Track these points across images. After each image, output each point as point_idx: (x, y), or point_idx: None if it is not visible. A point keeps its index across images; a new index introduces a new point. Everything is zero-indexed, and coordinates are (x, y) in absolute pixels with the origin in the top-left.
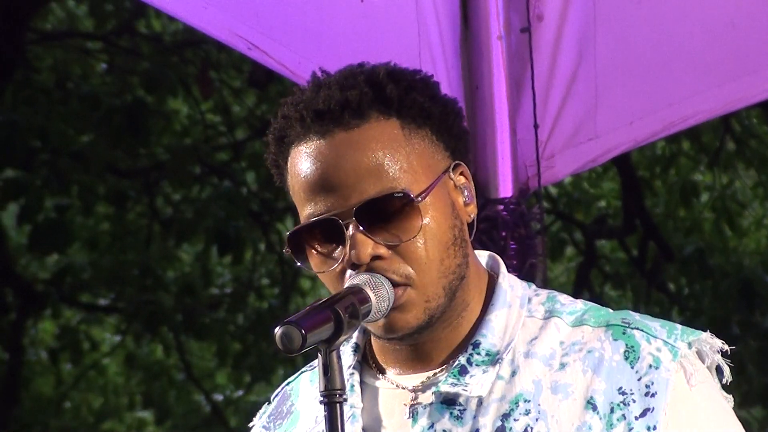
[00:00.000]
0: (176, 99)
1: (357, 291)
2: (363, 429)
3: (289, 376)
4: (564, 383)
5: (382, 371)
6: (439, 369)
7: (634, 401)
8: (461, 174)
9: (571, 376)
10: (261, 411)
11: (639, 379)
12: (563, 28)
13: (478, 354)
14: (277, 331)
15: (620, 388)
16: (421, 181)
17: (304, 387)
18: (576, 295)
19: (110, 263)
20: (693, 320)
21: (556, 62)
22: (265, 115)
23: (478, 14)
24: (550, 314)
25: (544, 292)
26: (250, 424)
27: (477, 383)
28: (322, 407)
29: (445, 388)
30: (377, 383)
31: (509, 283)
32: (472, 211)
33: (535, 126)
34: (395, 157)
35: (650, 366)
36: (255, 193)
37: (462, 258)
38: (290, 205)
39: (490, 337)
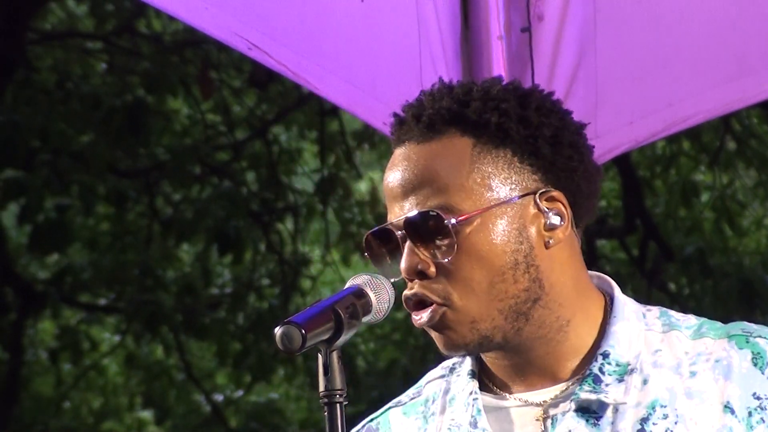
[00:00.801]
0: (176, 99)
1: (357, 291)
2: None
3: (290, 376)
4: (698, 390)
5: (509, 390)
6: (570, 381)
7: None
8: (553, 199)
9: (704, 384)
10: None
11: None
12: (563, 28)
13: (609, 364)
14: (278, 331)
15: (754, 393)
16: (477, 202)
17: (396, 420)
18: None
19: (110, 263)
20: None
21: (556, 62)
22: (265, 115)
23: (479, 14)
24: (669, 327)
25: (655, 308)
26: None
27: (615, 390)
28: None
29: (584, 395)
30: (503, 403)
31: (623, 298)
32: (556, 235)
33: None
34: (452, 175)
35: None
36: (255, 193)
37: (529, 282)
38: (290, 205)
39: (618, 348)
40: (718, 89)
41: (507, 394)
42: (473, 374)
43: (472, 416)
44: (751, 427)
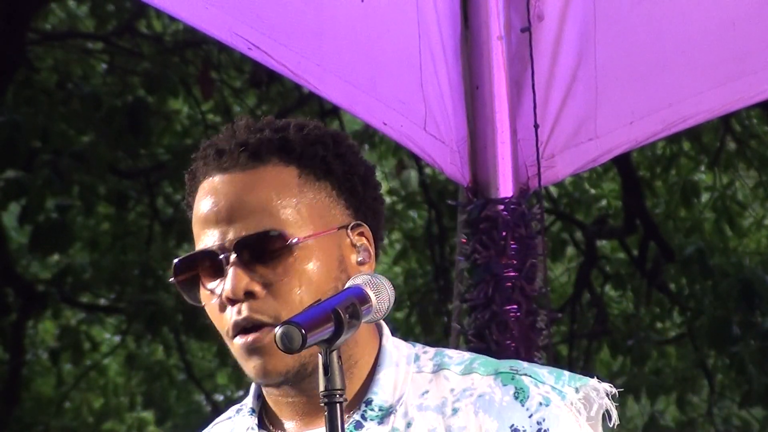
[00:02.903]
0: (177, 99)
1: (358, 291)
2: None
3: None
4: (458, 426)
5: (282, 428)
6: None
7: None
8: (362, 235)
9: (464, 420)
10: None
11: (530, 416)
12: (563, 28)
13: (372, 410)
14: (278, 330)
15: (512, 425)
16: (305, 228)
17: None
18: (577, 295)
19: (111, 263)
20: (693, 320)
21: (556, 62)
22: (266, 115)
23: (479, 14)
24: (438, 368)
25: (431, 350)
26: None
27: (375, 431)
28: None
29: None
30: None
31: (393, 344)
32: (365, 271)
33: (536, 126)
34: (282, 202)
35: (540, 404)
36: None
37: None
38: None
39: (381, 394)
40: (718, 89)
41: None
42: (253, 411)
43: None
44: None
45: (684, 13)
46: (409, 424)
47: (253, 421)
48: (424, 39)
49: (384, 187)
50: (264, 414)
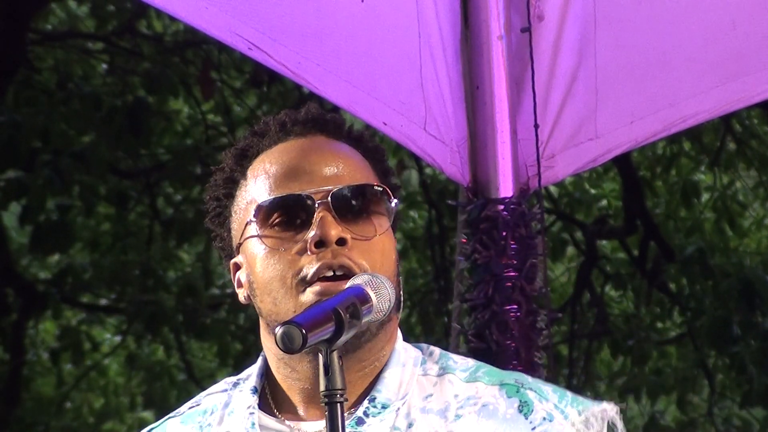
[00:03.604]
0: (177, 99)
1: (358, 291)
2: None
3: None
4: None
5: (289, 416)
6: None
7: None
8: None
9: (467, 426)
10: None
11: (533, 429)
12: (563, 28)
13: (374, 407)
14: (278, 330)
15: None
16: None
17: (173, 429)
18: (577, 295)
19: (111, 263)
20: (694, 320)
21: (556, 62)
22: (266, 115)
23: (479, 14)
24: (443, 371)
25: (437, 351)
26: None
27: (376, 426)
28: None
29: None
30: (279, 426)
31: (403, 346)
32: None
33: (536, 126)
34: (372, 170)
35: (544, 419)
36: None
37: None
38: None
39: (385, 392)
40: (718, 89)
41: (286, 420)
42: (255, 390)
43: (245, 429)
44: None
45: (684, 13)
46: (410, 425)
47: (255, 400)
48: (424, 39)
49: None
50: (269, 397)
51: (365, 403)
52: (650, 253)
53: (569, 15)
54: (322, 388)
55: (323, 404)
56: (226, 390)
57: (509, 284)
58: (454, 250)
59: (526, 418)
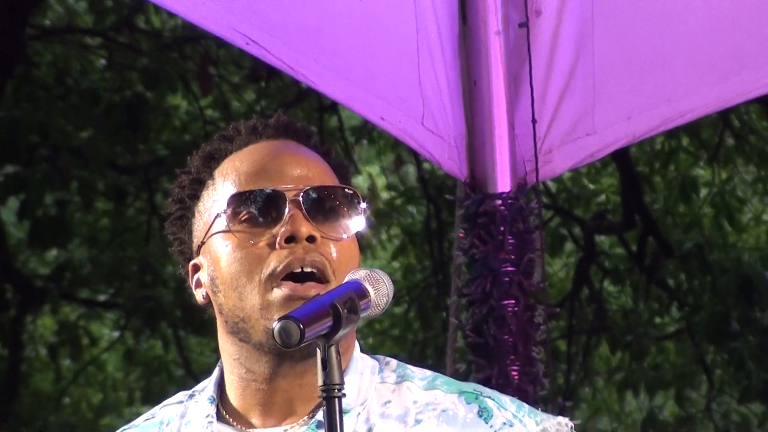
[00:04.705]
0: (175, 95)
1: (356, 286)
2: None
3: None
4: None
5: (245, 424)
6: (296, 424)
7: None
8: None
9: (427, 431)
10: None
11: None
12: (561, 24)
13: None
14: (276, 325)
15: None
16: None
17: None
18: (575, 290)
19: (109, 259)
20: (692, 316)
21: (554, 57)
22: (264, 110)
23: (477, 10)
24: (401, 379)
25: (393, 361)
26: None
27: None
28: None
29: None
30: None
31: (360, 355)
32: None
33: (533, 121)
34: (343, 177)
35: (504, 424)
36: None
37: None
38: None
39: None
40: (716, 84)
41: (242, 427)
42: (212, 400)
43: None
44: None
45: (682, 9)
46: (370, 430)
47: (212, 409)
48: (421, 34)
49: (382, 183)
50: (223, 408)
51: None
52: (649, 249)
53: (567, 10)
54: (320, 383)
55: (321, 399)
56: (182, 401)
57: (507, 279)
58: (452, 245)
59: (486, 423)
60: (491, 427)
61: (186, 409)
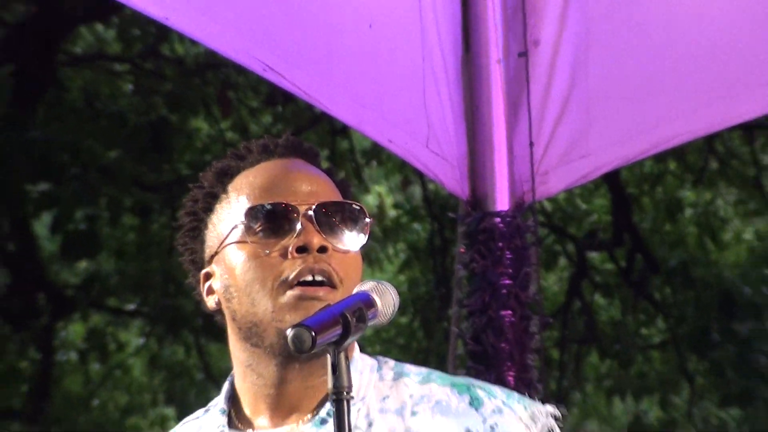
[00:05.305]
0: (197, 118)
1: (365, 297)
2: None
3: None
4: (417, 428)
5: (251, 426)
6: (301, 421)
7: None
8: None
9: (423, 422)
10: None
11: (484, 421)
12: (558, 53)
13: None
14: (289, 332)
15: (467, 427)
16: None
17: None
18: (568, 302)
19: (135, 270)
20: (676, 327)
21: (551, 84)
22: (280, 133)
23: (479, 39)
24: (399, 376)
25: (391, 361)
26: None
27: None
28: None
29: None
30: None
31: (360, 356)
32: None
33: (531, 144)
34: (345, 193)
35: (494, 411)
36: None
37: None
38: None
39: None
40: (702, 111)
41: (252, 430)
42: (224, 411)
43: None
44: None
45: (672, 38)
46: (370, 425)
47: (223, 420)
48: (427, 62)
49: (390, 201)
50: (234, 414)
51: (327, 405)
52: (636, 265)
53: (563, 40)
54: (330, 386)
55: (331, 402)
56: (198, 417)
57: (505, 291)
58: (454, 259)
59: (477, 411)
60: (481, 415)
61: (201, 422)
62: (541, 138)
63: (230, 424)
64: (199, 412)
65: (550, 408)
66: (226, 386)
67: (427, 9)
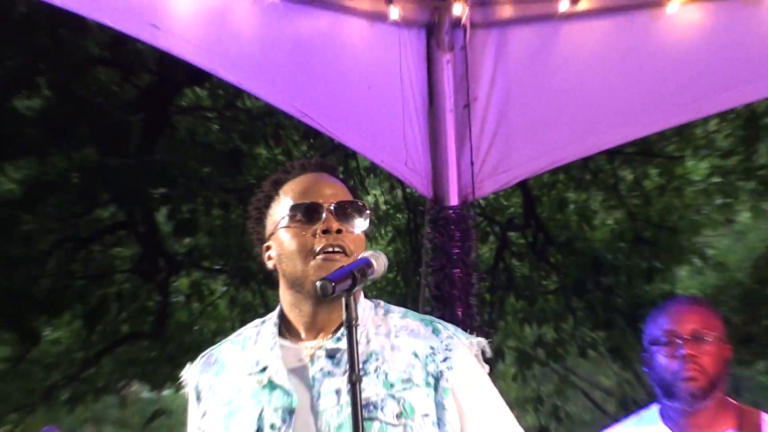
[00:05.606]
0: (260, 147)
1: (365, 260)
2: (283, 366)
3: None
4: (398, 345)
5: (294, 336)
6: (325, 338)
7: (439, 352)
8: None
9: (402, 342)
10: (190, 364)
11: (441, 342)
12: (489, 105)
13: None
14: (318, 283)
15: (431, 346)
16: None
17: (226, 348)
18: (495, 264)
19: (221, 244)
20: (564, 280)
21: (484, 125)
22: (313, 156)
23: (438, 94)
24: (387, 312)
25: (382, 302)
26: (183, 373)
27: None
28: (245, 355)
29: (329, 346)
30: (291, 344)
31: (363, 299)
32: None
33: (472, 163)
34: (354, 194)
35: (449, 337)
36: None
37: None
38: None
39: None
40: (580, 140)
41: (296, 340)
42: (276, 324)
43: (271, 348)
44: (426, 365)
45: (563, 90)
46: (368, 341)
47: (276, 329)
48: (405, 110)
49: (382, 200)
50: (284, 327)
51: (342, 329)
52: (539, 240)
53: (493, 96)
54: (343, 317)
55: (345, 327)
56: (257, 326)
57: (455, 257)
58: (423, 237)
59: (437, 336)
60: (440, 339)
61: (260, 328)
62: (479, 159)
63: (279, 332)
64: (257, 321)
65: (482, 339)
66: (277, 311)
67: (405, 75)
